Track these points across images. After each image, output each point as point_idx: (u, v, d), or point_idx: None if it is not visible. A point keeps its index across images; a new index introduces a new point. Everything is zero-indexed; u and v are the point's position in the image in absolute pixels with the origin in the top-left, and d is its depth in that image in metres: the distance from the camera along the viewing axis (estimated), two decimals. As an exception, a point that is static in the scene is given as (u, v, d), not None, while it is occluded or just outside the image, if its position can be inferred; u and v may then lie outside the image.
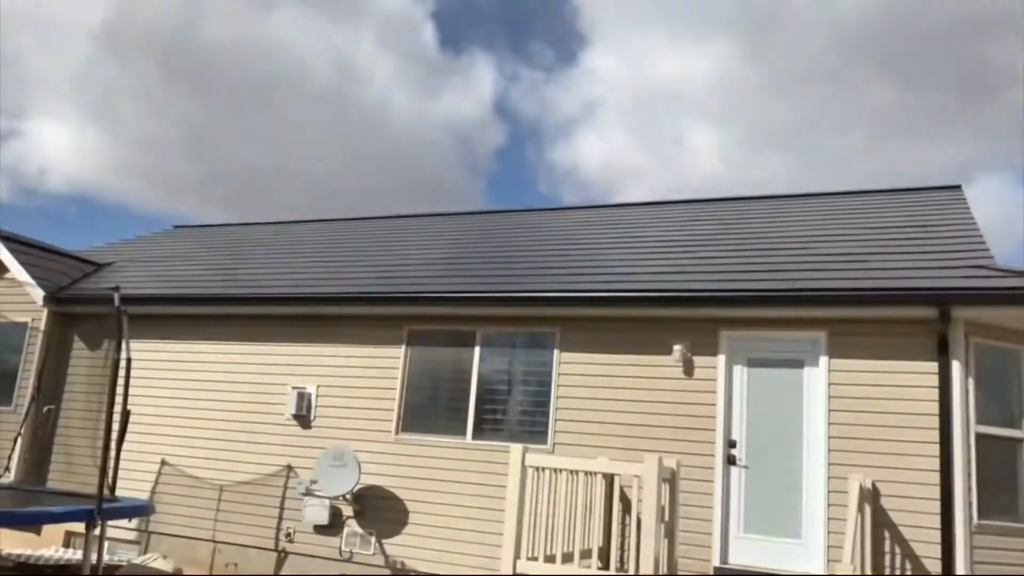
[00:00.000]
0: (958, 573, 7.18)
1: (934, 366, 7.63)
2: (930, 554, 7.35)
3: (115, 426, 8.09)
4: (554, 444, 9.03)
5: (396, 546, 9.48)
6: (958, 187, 12.05)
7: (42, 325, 12.01)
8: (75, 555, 10.54)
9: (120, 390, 8.06)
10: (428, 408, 9.90)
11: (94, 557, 7.82)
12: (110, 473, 8.09)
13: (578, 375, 9.13)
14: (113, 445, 8.10)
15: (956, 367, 7.55)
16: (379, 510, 9.66)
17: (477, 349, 9.72)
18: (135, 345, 10.10)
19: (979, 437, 7.56)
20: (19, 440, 11.39)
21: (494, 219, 15.37)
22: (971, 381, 7.60)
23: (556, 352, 9.29)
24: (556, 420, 9.11)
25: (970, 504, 7.37)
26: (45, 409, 11.57)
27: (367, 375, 10.20)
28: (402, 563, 9.40)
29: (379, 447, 9.86)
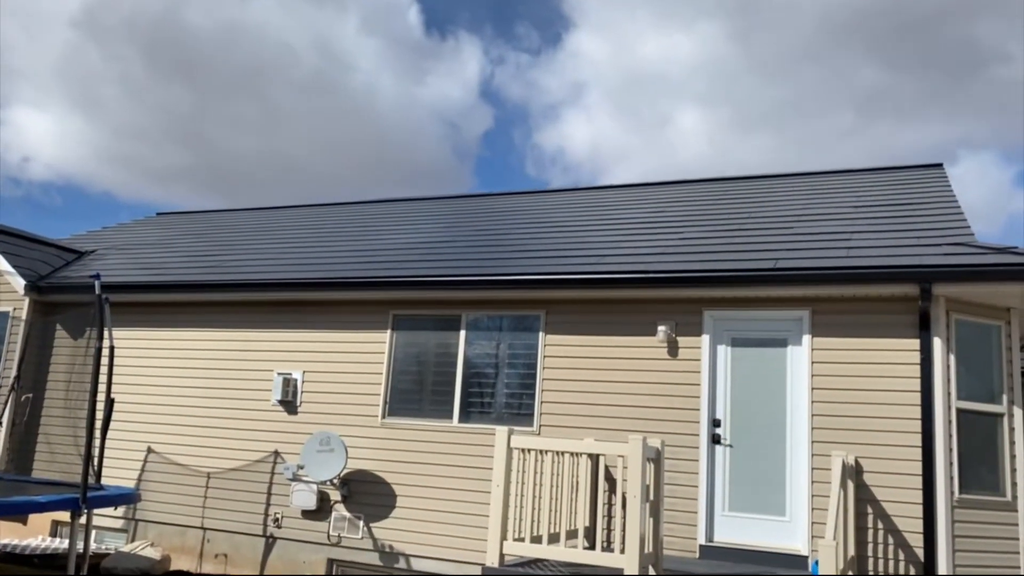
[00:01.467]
0: (940, 546, 7.28)
1: (916, 343, 7.70)
2: (912, 528, 7.43)
3: (99, 414, 8.10)
4: (540, 426, 9.06)
5: (384, 529, 9.51)
6: (939, 165, 12.12)
7: (23, 314, 11.92)
8: (62, 544, 10.53)
9: (103, 378, 8.07)
10: (414, 392, 9.90)
11: (80, 545, 7.85)
12: (95, 462, 8.10)
13: (564, 357, 9.15)
14: (97, 434, 8.12)
15: (937, 343, 7.62)
16: (367, 494, 9.68)
17: (463, 333, 9.73)
18: (118, 333, 10.08)
19: (960, 412, 7.63)
20: (0, 429, 11.35)
21: (479, 202, 15.35)
22: (952, 357, 7.67)
23: (541, 334, 9.31)
24: (542, 402, 9.13)
25: (951, 479, 7.45)
26: (24, 397, 11.51)
27: (353, 360, 10.18)
28: (390, 546, 9.44)
29: (366, 431, 9.86)
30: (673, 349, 8.65)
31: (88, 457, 7.66)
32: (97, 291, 7.99)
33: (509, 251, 10.89)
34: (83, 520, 7.76)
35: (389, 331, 10.08)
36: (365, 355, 10.13)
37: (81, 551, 7.92)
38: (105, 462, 8.59)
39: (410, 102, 47.34)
